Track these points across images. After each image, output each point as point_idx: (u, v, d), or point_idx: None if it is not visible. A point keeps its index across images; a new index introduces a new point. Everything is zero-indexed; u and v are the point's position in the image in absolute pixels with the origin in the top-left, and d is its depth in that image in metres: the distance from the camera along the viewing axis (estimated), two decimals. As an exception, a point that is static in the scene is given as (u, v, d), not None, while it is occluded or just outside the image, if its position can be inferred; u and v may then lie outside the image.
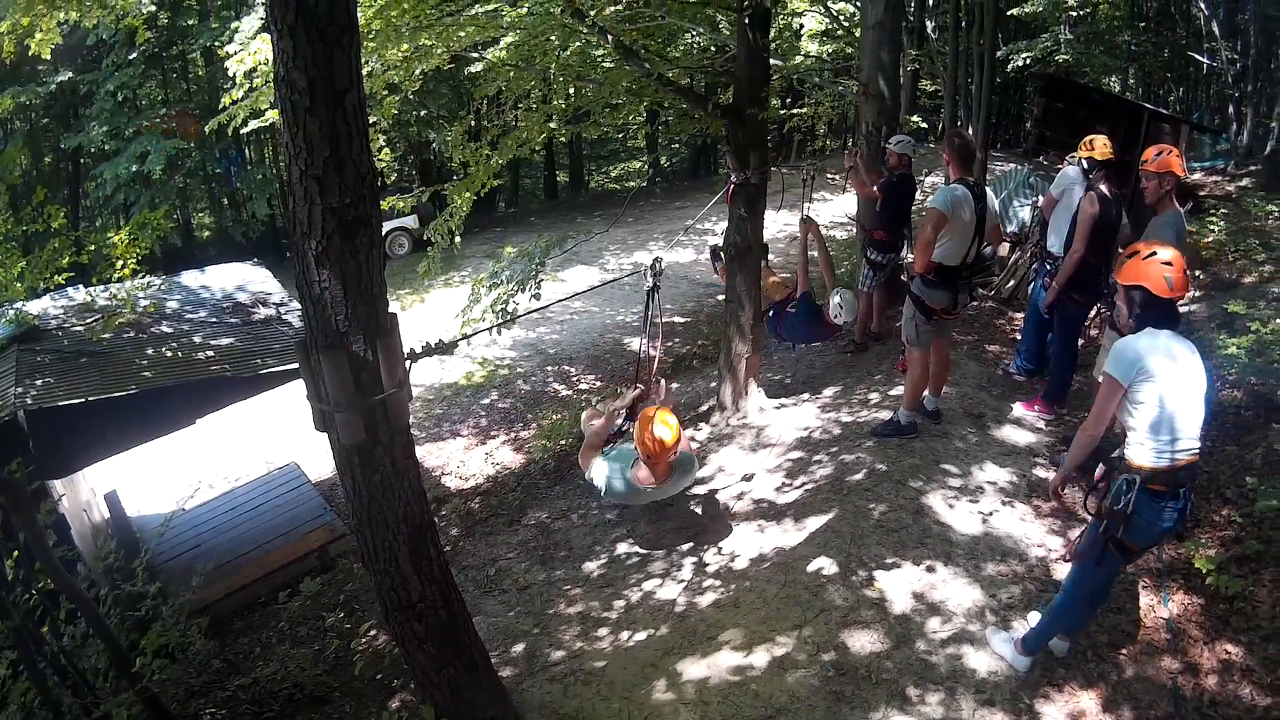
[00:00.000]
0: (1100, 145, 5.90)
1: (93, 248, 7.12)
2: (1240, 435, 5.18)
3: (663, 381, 5.64)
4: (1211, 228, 8.94)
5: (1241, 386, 5.58)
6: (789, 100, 13.40)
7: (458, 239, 6.66)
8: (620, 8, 7.30)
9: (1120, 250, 6.03)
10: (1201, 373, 3.26)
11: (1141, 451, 3.26)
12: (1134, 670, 3.82)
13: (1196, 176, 15.33)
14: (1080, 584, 3.65)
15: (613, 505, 5.91)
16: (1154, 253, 3.33)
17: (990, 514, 4.92)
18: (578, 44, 6.70)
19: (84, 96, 18.30)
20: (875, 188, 7.24)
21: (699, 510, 5.87)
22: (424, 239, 6.87)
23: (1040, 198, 7.71)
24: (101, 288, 6.61)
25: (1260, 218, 9.60)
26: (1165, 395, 3.17)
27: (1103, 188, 5.57)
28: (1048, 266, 6.15)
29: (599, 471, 4.79)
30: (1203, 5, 18.69)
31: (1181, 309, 3.56)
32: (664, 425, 4.50)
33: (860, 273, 7.63)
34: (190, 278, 7.45)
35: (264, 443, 9.07)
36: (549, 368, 10.46)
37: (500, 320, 4.82)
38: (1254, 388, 5.63)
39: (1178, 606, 4.15)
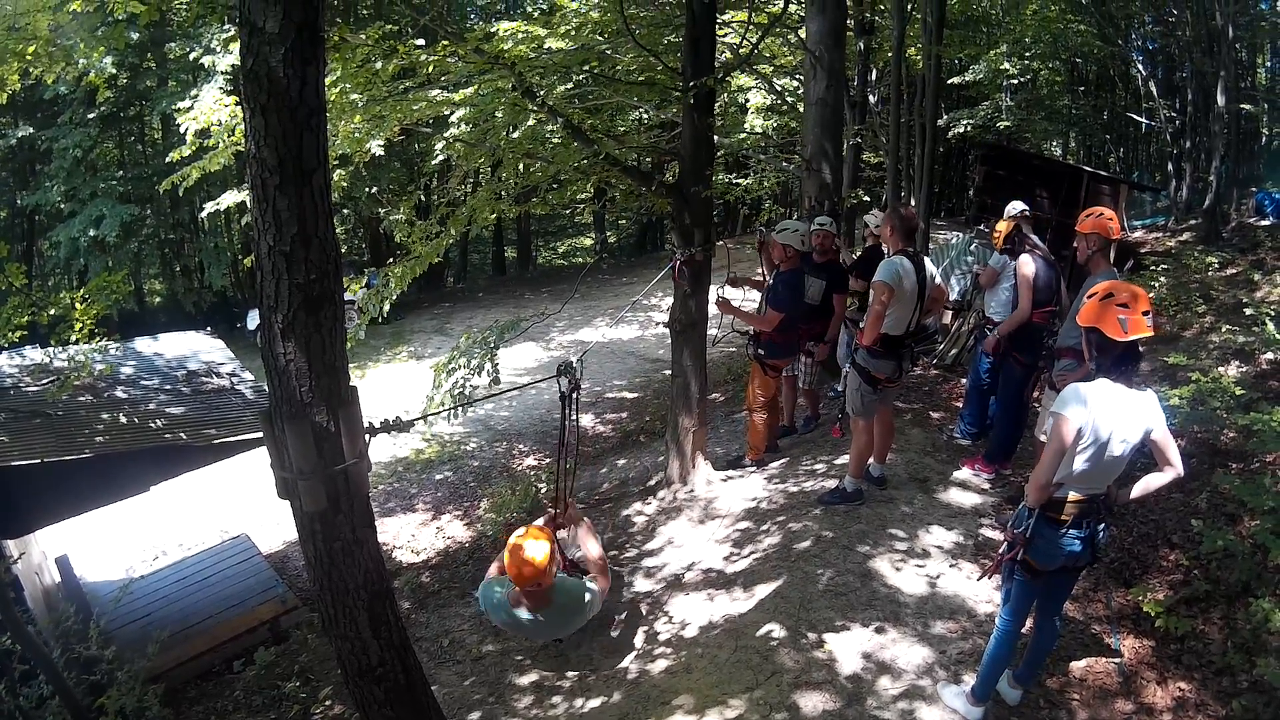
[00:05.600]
0: (1011, 222, 6.10)
1: (52, 310, 7.07)
2: (1185, 482, 5.33)
3: (572, 501, 5.29)
4: (1153, 283, 9.22)
5: (1185, 435, 5.71)
6: (734, 175, 13.70)
7: (385, 308, 6.58)
8: (569, 87, 7.44)
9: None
10: (1138, 430, 3.23)
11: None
12: (1087, 714, 3.88)
13: (1138, 234, 15.72)
14: (1005, 613, 3.73)
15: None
16: (1110, 294, 3.27)
17: (938, 575, 4.97)
18: (528, 122, 6.78)
19: (43, 153, 18.15)
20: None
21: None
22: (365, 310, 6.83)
23: (979, 266, 7.80)
24: (59, 349, 6.53)
25: (1200, 270, 9.90)
26: (1089, 451, 3.21)
27: (1039, 251, 5.79)
28: (989, 333, 6.26)
29: (483, 591, 4.66)
30: (1140, 67, 19.46)
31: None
32: (532, 546, 4.19)
33: (801, 374, 7.46)
34: (144, 344, 7.43)
35: (213, 511, 8.94)
36: (498, 444, 10.51)
37: (456, 404, 4.85)
38: (1196, 435, 5.83)
39: (1129, 650, 4.23)
